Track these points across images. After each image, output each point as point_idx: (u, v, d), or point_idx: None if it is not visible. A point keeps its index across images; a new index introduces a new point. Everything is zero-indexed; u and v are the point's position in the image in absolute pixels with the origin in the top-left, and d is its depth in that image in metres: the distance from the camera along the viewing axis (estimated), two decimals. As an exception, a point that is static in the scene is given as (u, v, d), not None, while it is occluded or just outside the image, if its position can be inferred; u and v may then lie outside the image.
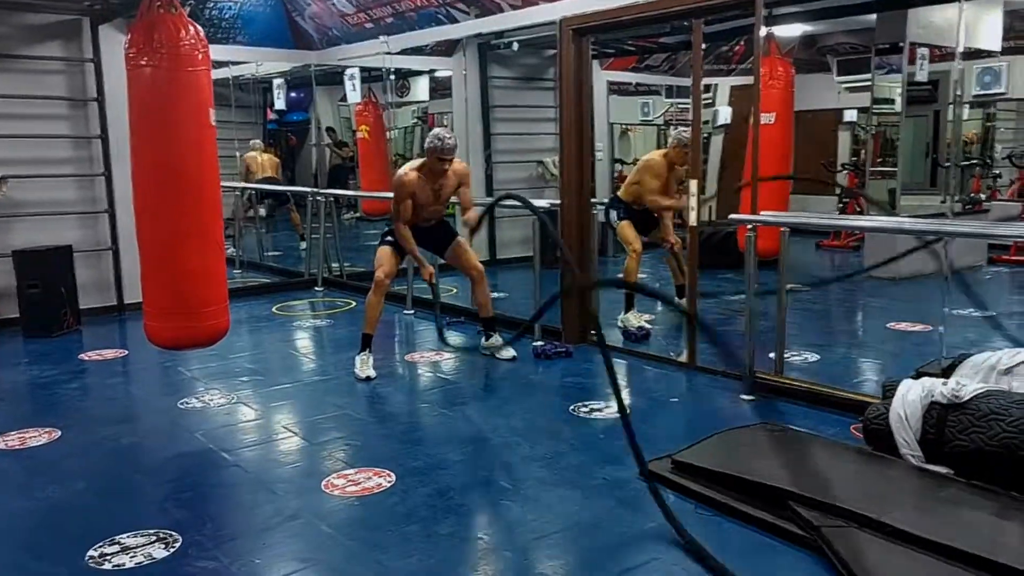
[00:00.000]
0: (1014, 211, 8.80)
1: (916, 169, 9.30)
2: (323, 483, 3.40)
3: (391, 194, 5.07)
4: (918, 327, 5.96)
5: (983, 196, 9.30)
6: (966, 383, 3.44)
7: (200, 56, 3.76)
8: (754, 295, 4.39)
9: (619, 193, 6.07)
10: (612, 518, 3.08)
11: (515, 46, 8.28)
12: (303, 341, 6.24)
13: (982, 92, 10.09)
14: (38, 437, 4.02)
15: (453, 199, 5.23)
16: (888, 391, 3.63)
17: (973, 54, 8.44)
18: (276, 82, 9.48)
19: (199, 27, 3.80)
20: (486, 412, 4.35)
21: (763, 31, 4.55)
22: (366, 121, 10.99)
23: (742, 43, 9.56)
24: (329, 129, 12.83)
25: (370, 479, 3.43)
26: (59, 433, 4.06)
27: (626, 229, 5.85)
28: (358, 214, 12.91)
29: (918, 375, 3.92)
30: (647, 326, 5.76)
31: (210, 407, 4.46)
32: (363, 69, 8.64)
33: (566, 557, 2.86)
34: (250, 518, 3.18)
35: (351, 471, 3.51)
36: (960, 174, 9.66)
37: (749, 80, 8.96)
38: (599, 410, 4.25)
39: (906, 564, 2.61)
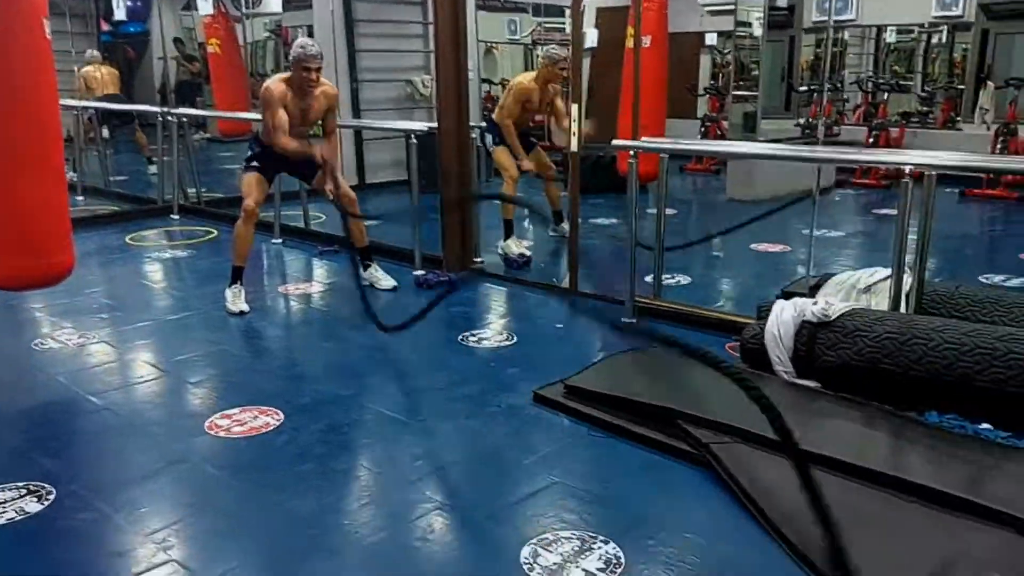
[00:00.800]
0: (860, 134, 9.33)
1: (772, 93, 9.67)
2: (206, 424, 3.24)
3: (253, 115, 4.74)
4: (778, 247, 6.27)
5: (832, 120, 9.80)
6: (834, 303, 3.65)
7: (30, -45, 3.31)
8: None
9: (494, 116, 5.99)
10: (510, 445, 3.10)
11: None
12: (164, 274, 5.86)
13: (823, 18, 10.57)
14: None
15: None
16: (763, 312, 3.81)
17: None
18: (115, -10, 8.66)
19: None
20: (372, 344, 4.25)
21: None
22: (216, 34, 10.29)
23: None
24: (177, 41, 11.93)
25: (256, 418, 3.30)
26: None
27: (502, 155, 5.81)
28: (208, 135, 12.19)
29: (784, 295, 4.14)
30: (527, 253, 5.77)
31: (68, 347, 4.14)
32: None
33: (468, 486, 2.87)
34: (129, 465, 2.98)
35: (235, 410, 3.36)
36: (809, 99, 10.14)
37: (615, 2, 9.01)
38: (487, 338, 4.25)
39: (789, 475, 2.77)
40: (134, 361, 4.01)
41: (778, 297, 4.00)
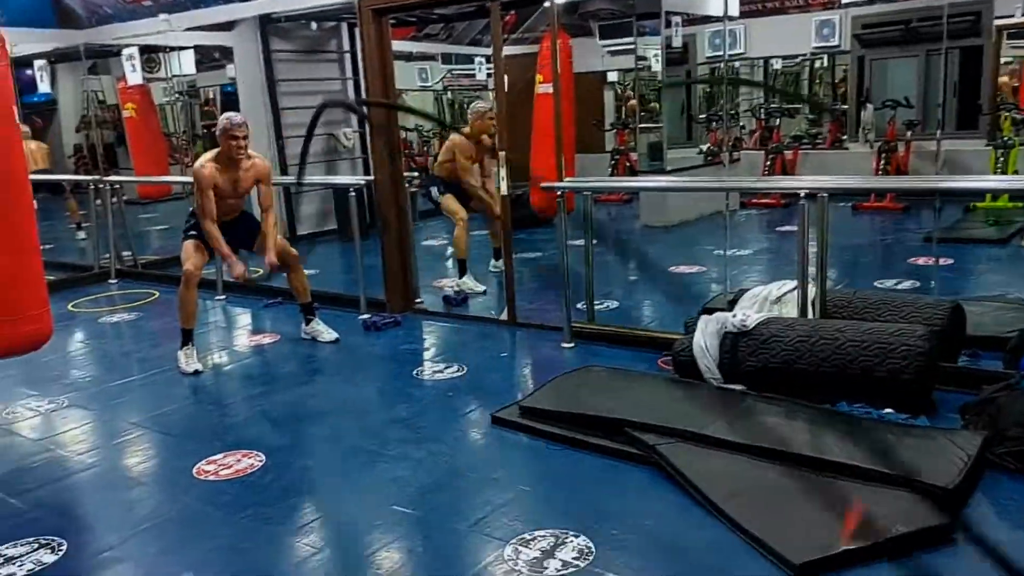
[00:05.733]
0: (758, 158, 10.06)
1: (675, 124, 10.34)
2: (194, 470, 3.47)
3: (179, 178, 4.91)
4: (695, 268, 6.80)
5: (731, 146, 10.51)
6: (750, 314, 4.14)
7: (-1, 47, 3.54)
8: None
9: (434, 170, 6.45)
10: (478, 463, 3.45)
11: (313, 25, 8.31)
12: (116, 337, 5.99)
13: (714, 53, 11.38)
14: None
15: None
16: (689, 327, 4.27)
17: (713, 19, 9.58)
18: (38, 63, 8.75)
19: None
20: (334, 387, 4.53)
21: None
22: (131, 99, 10.42)
23: (513, 14, 10.04)
24: (102, 104, 11.94)
25: (240, 461, 3.55)
26: None
27: (449, 201, 6.26)
28: (125, 197, 12.21)
29: (705, 311, 4.61)
30: (479, 288, 6.20)
31: (42, 413, 4.30)
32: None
33: (447, 502, 3.15)
34: (132, 515, 3.18)
35: (218, 456, 3.60)
36: (708, 127, 10.88)
37: (521, 49, 9.58)
38: (440, 371, 4.58)
39: (725, 465, 3.19)
40: (111, 420, 4.19)
41: (700, 313, 4.47)
